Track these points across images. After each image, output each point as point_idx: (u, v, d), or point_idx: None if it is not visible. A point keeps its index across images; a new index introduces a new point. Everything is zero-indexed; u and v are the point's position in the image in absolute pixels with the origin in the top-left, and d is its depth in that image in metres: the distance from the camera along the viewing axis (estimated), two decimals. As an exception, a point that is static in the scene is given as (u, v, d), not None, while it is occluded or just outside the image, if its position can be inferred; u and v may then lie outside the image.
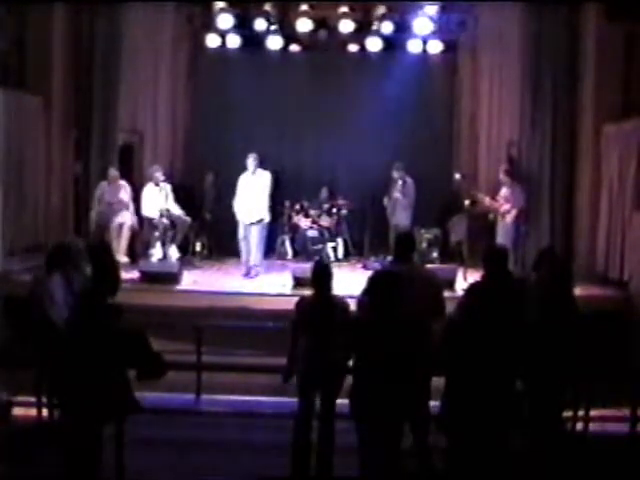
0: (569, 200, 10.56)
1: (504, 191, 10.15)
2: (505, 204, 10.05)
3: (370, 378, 4.64)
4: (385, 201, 11.19)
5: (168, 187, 10.58)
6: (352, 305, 5.49)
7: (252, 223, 9.97)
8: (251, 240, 10.00)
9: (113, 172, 10.60)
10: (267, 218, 10.10)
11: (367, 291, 5.06)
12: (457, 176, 10.90)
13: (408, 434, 5.04)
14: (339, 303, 5.45)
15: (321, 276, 5.44)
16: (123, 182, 10.71)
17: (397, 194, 10.95)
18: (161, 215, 10.39)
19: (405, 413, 4.79)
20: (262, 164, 10.14)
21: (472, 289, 5.08)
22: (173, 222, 10.54)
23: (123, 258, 10.53)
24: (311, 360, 5.33)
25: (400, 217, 10.93)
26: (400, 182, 10.97)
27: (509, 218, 9.98)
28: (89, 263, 5.23)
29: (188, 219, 10.79)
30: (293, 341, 5.45)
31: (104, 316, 4.53)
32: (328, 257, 11.62)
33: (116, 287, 4.81)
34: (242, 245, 10.16)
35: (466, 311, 4.88)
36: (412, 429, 5.14)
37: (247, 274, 10.05)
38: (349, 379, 4.87)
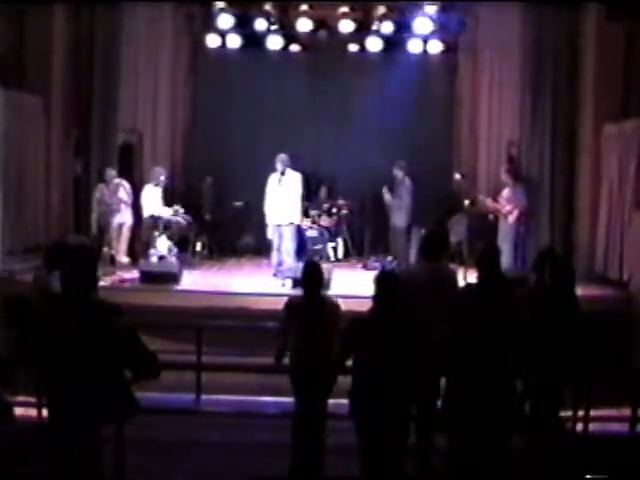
0: (569, 200, 10.56)
1: (506, 192, 10.11)
2: (507, 205, 10.01)
3: (370, 378, 4.64)
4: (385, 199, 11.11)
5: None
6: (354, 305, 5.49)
7: (280, 225, 9.82)
8: (282, 242, 9.85)
9: (110, 172, 10.58)
10: (297, 221, 10.02)
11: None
12: (457, 176, 10.91)
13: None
14: (329, 303, 5.44)
15: (312, 276, 5.42)
16: (122, 181, 10.70)
17: (387, 197, 10.72)
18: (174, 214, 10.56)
19: (404, 412, 4.79)
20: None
21: (464, 292, 5.08)
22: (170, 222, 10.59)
23: (123, 258, 10.54)
24: (301, 359, 5.29)
25: (396, 218, 10.79)
26: (392, 185, 10.75)
27: (511, 219, 9.95)
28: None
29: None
30: (283, 335, 5.39)
31: (89, 316, 4.41)
32: (328, 257, 11.61)
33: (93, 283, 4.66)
34: (273, 246, 10.01)
35: (463, 312, 4.88)
36: (417, 429, 5.13)
37: (276, 274, 9.83)
38: (349, 379, 4.86)
